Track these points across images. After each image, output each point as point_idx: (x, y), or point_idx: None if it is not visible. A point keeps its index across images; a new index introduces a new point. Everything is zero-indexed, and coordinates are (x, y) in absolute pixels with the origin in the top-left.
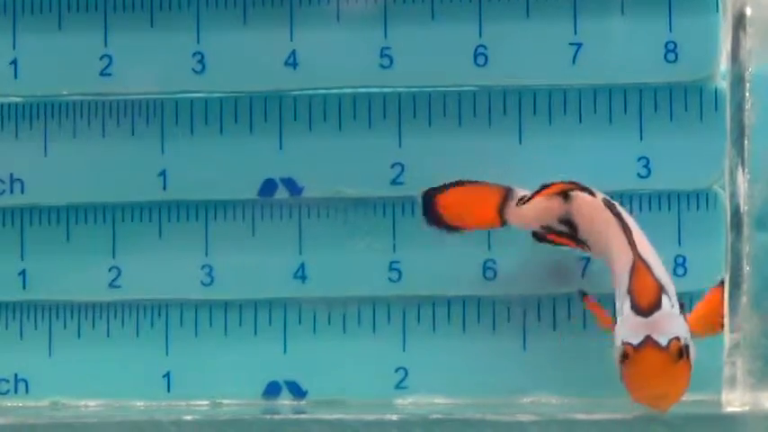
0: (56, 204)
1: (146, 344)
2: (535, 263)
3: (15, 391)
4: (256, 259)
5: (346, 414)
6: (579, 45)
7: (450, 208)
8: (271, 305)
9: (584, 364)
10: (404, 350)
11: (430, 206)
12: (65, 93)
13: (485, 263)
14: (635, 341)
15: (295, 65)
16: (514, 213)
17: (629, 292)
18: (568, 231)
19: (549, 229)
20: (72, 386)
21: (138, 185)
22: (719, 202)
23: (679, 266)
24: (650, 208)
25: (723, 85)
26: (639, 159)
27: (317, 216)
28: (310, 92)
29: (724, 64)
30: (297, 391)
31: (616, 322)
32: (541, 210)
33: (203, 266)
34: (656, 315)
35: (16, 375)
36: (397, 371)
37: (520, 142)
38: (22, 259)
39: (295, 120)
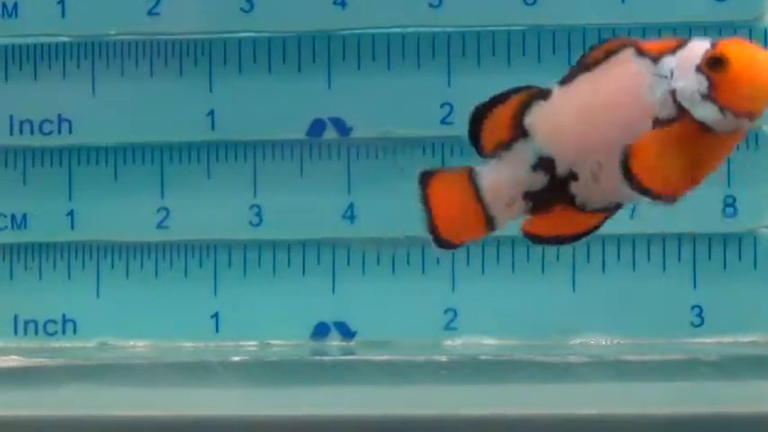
0: (104, 144)
1: (194, 284)
2: None
3: (63, 332)
4: (305, 199)
5: (395, 355)
6: None
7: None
8: (319, 245)
9: (634, 306)
10: (453, 291)
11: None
12: (112, 32)
13: None
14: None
15: (344, 4)
16: (490, 191)
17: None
18: (549, 180)
19: (532, 197)
20: (120, 327)
21: (186, 125)
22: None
23: (728, 206)
24: None
25: None
26: None
27: (366, 156)
28: (359, 31)
29: None
30: (346, 332)
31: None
32: (509, 165)
33: (252, 206)
34: None
35: (64, 316)
36: (446, 312)
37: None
38: (71, 199)
39: (343, 59)
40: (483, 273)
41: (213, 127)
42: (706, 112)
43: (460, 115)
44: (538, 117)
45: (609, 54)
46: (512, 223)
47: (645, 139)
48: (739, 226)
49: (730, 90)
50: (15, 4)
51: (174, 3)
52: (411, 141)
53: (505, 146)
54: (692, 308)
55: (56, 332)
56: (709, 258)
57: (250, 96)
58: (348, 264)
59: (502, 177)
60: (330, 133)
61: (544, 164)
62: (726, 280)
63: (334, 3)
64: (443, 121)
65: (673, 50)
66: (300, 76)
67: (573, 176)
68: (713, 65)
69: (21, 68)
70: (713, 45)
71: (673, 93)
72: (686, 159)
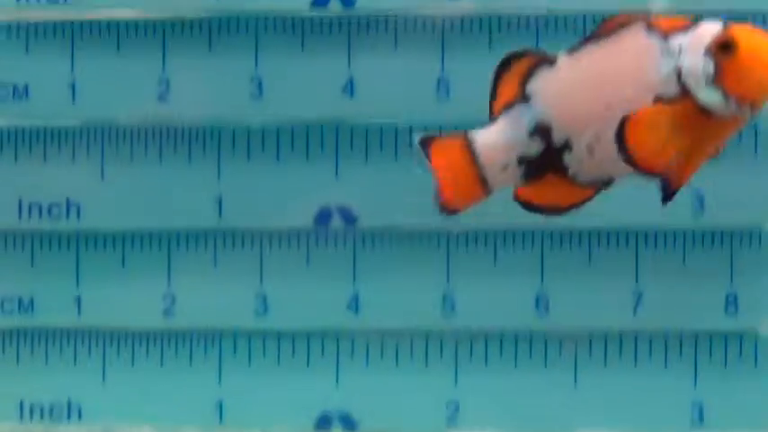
0: (111, 229)
1: (198, 372)
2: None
3: (68, 417)
4: (310, 288)
5: None
6: None
7: None
8: (323, 336)
9: (635, 401)
10: (455, 384)
11: None
12: (122, 117)
13: (537, 296)
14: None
15: (352, 92)
16: (485, 154)
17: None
18: (544, 148)
19: (527, 163)
20: (125, 412)
21: (193, 212)
22: None
23: (730, 304)
24: (703, 246)
25: None
26: (692, 196)
27: (372, 246)
28: (367, 121)
29: None
30: (349, 424)
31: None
32: (505, 131)
33: (257, 295)
34: None
35: (69, 401)
36: (448, 405)
37: None
38: (78, 285)
39: (351, 148)
40: (486, 365)
41: (221, 214)
42: (710, 96)
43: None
44: (541, 83)
45: (621, 28)
46: (516, 318)
47: (643, 112)
48: (740, 323)
49: (736, 76)
50: (26, 87)
51: (184, 89)
52: (418, 233)
53: (506, 109)
54: (693, 405)
55: (61, 417)
56: (710, 356)
57: (258, 184)
58: (352, 356)
59: (498, 140)
60: (337, 222)
61: (541, 130)
62: (726, 378)
63: (343, 91)
64: None
65: (684, 29)
66: (308, 164)
67: (568, 146)
68: (722, 49)
69: (30, 151)
70: (724, 28)
71: (678, 72)
72: (683, 140)
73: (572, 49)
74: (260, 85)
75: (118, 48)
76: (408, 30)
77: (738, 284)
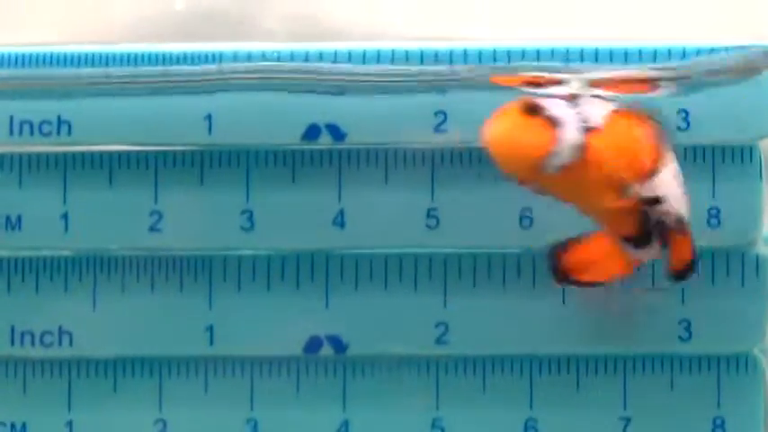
0: (103, 357)
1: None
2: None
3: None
4: (300, 415)
5: None
6: None
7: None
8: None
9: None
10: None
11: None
12: (114, 247)
13: (526, 422)
14: None
15: (343, 224)
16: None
17: None
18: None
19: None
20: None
21: (184, 340)
22: (759, 366)
23: (718, 428)
24: (690, 371)
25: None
26: (680, 322)
27: (362, 374)
28: (357, 251)
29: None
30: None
31: None
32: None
33: (248, 420)
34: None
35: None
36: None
37: (563, 302)
38: (69, 410)
39: (341, 279)
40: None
41: (212, 342)
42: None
43: (455, 335)
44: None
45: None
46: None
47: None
48: None
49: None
50: (19, 218)
51: (176, 220)
52: (407, 359)
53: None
54: None
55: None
56: None
57: (248, 312)
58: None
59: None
60: (327, 350)
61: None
62: None
63: (334, 223)
64: (439, 341)
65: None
66: (298, 293)
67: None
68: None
69: (23, 280)
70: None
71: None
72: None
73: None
74: (251, 216)
75: (110, 179)
76: (398, 161)
77: (726, 408)
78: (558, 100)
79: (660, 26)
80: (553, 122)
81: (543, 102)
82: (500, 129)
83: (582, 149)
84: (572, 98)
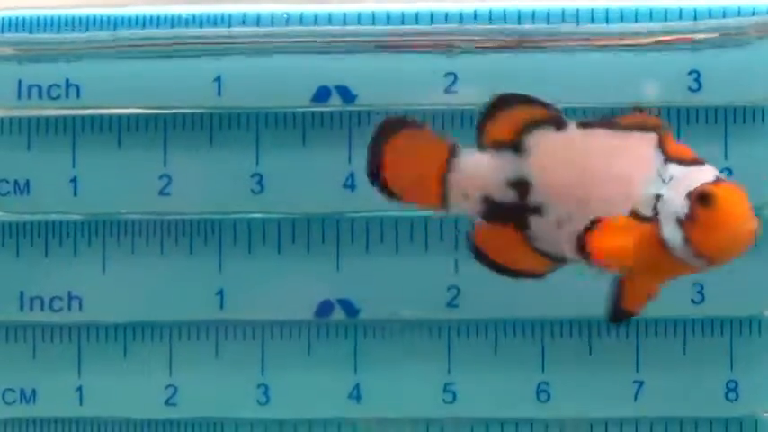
0: (113, 322)
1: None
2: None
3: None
4: (311, 379)
5: None
6: None
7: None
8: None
9: None
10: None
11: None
12: (123, 211)
13: (538, 386)
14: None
15: (353, 187)
16: (456, 175)
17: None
18: (516, 201)
19: (489, 204)
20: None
21: (195, 304)
22: None
23: (730, 390)
24: (703, 334)
25: None
26: (693, 285)
27: (373, 337)
28: (367, 214)
29: None
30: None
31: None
32: (486, 168)
33: (259, 385)
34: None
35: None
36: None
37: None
38: (79, 375)
39: (352, 242)
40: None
41: (222, 306)
42: (672, 236)
43: (467, 298)
44: (541, 141)
45: (639, 127)
46: (518, 407)
47: (615, 220)
48: (741, 410)
49: (702, 230)
50: (27, 182)
51: (185, 184)
52: (418, 323)
53: (498, 147)
54: None
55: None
56: None
57: (259, 276)
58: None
59: (476, 171)
60: (338, 314)
61: (521, 186)
62: None
63: (344, 186)
64: (450, 304)
65: (685, 163)
66: (309, 257)
67: (539, 211)
68: (700, 200)
69: (32, 245)
70: (713, 182)
71: (657, 198)
72: (639, 258)
73: (584, 124)
74: (261, 179)
75: (119, 142)
76: None
77: (738, 371)
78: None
79: None
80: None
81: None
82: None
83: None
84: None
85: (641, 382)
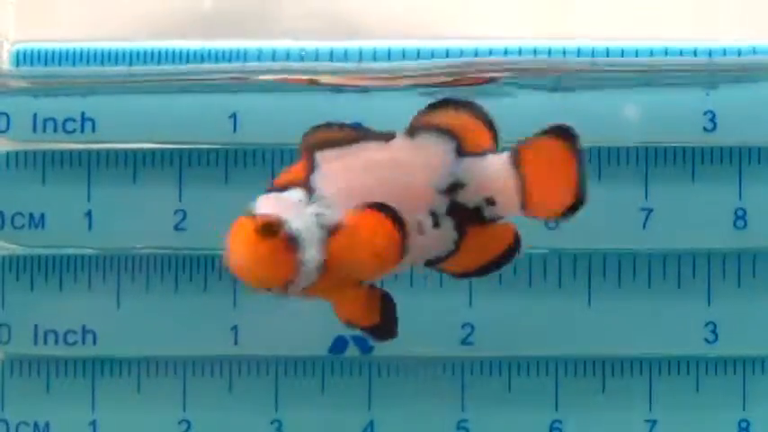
0: (127, 356)
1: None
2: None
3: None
4: (325, 415)
5: None
6: (650, 210)
7: None
8: None
9: None
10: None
11: None
12: (138, 246)
13: (551, 424)
14: None
15: None
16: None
17: None
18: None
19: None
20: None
21: (209, 340)
22: None
23: (743, 430)
24: (716, 373)
25: None
26: (707, 325)
27: (387, 374)
28: None
29: None
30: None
31: None
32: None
33: (273, 421)
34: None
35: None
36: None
37: (589, 304)
38: (93, 410)
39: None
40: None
41: (236, 341)
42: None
43: (481, 336)
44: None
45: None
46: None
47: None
48: None
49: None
50: (42, 216)
51: (200, 219)
52: (432, 360)
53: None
54: None
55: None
56: None
57: (273, 312)
58: None
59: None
60: (352, 351)
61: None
62: None
63: None
64: (464, 342)
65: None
66: None
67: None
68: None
69: (46, 279)
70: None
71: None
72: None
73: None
74: None
75: (134, 177)
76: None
77: (751, 411)
78: (294, 194)
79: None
80: (292, 244)
81: (280, 213)
82: (238, 258)
83: (324, 265)
84: (309, 190)
85: (654, 421)
